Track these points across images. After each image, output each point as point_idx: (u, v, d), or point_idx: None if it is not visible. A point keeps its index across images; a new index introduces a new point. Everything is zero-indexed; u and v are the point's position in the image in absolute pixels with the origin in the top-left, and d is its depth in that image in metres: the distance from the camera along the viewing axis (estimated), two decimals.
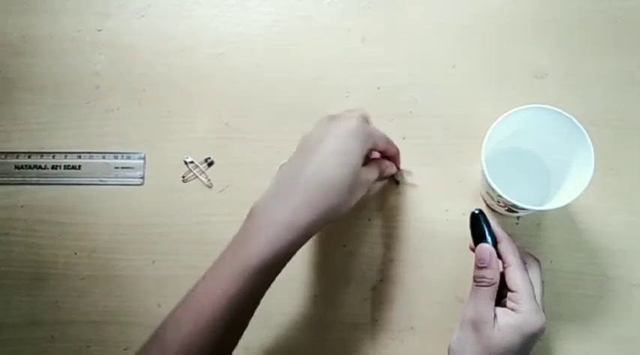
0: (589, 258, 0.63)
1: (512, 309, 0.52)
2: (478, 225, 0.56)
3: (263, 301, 0.62)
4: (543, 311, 0.53)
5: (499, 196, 0.55)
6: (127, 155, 0.67)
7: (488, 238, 0.55)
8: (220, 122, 0.68)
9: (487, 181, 0.55)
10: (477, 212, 0.56)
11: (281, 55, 0.69)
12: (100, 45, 0.70)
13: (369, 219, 0.64)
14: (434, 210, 0.64)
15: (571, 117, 0.55)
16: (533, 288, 0.53)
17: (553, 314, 0.61)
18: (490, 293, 0.53)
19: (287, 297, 0.63)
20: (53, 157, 0.67)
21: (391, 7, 0.70)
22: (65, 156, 0.67)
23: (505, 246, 0.55)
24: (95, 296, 0.64)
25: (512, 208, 0.58)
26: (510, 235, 0.56)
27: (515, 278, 0.53)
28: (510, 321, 0.51)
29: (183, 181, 0.66)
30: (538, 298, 0.54)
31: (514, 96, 0.65)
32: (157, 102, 0.68)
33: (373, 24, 0.70)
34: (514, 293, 0.53)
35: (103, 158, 0.67)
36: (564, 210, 0.63)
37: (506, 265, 0.54)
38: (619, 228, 0.63)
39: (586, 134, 0.55)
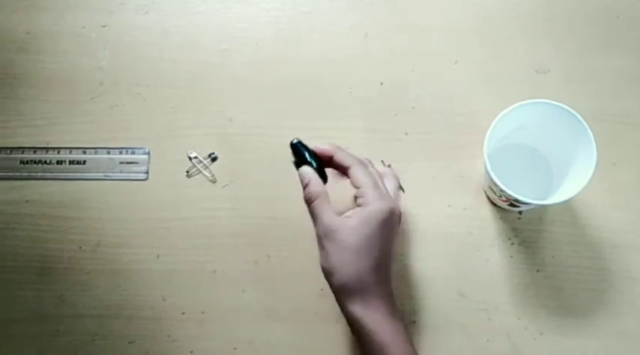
0: (591, 252, 0.63)
1: (360, 204, 0.54)
2: (298, 154, 0.56)
3: (268, 295, 0.63)
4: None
5: (501, 191, 0.55)
6: (132, 150, 0.67)
7: (312, 162, 0.56)
8: (224, 117, 0.68)
9: (490, 176, 0.55)
10: (295, 142, 0.56)
11: (284, 51, 0.70)
12: (104, 41, 0.71)
13: None
14: (436, 205, 0.65)
15: (574, 112, 0.56)
16: (378, 180, 0.55)
17: (554, 308, 0.62)
18: (322, 204, 0.54)
19: (292, 291, 0.63)
20: (58, 152, 0.68)
21: (393, 3, 0.71)
22: (70, 152, 0.68)
23: (339, 155, 0.56)
24: (100, 290, 0.64)
25: (514, 203, 0.58)
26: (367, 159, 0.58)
27: (356, 174, 0.55)
28: (362, 214, 0.53)
29: (187, 176, 0.67)
30: (390, 190, 0.56)
31: (516, 91, 0.66)
32: (161, 98, 0.69)
33: (376, 20, 0.70)
34: (359, 189, 0.54)
35: (108, 153, 0.67)
36: (566, 205, 0.64)
37: (346, 170, 0.56)
38: (620, 223, 0.63)
39: (588, 129, 0.55)
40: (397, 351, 0.52)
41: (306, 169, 0.56)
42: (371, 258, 0.53)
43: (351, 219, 0.53)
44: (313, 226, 0.55)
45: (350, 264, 0.52)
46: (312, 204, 0.55)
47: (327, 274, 0.54)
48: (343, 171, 0.56)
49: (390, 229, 0.54)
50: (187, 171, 0.67)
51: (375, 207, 0.53)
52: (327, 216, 0.54)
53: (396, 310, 0.54)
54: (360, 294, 0.53)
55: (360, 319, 0.53)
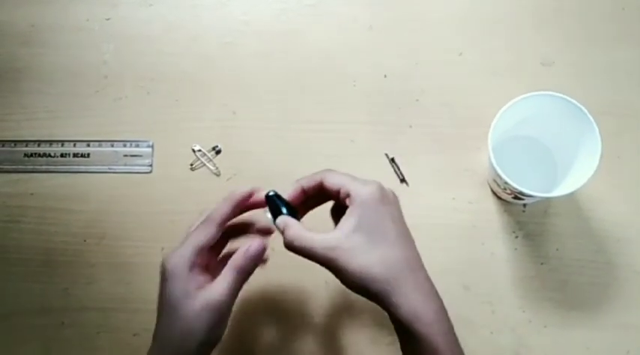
0: (595, 245, 0.63)
1: (349, 203, 0.48)
2: (274, 204, 0.52)
3: (272, 288, 0.63)
4: None
5: (506, 183, 0.55)
6: (136, 143, 0.67)
7: (284, 210, 0.51)
8: (228, 110, 0.68)
9: (494, 169, 0.55)
10: (271, 194, 0.52)
11: (288, 44, 0.70)
12: (108, 34, 0.71)
13: None
14: (441, 198, 0.65)
15: (578, 104, 0.56)
16: (349, 175, 0.50)
17: (558, 301, 0.62)
18: (303, 236, 0.48)
19: (296, 284, 0.64)
20: (62, 145, 0.68)
21: None
22: (74, 145, 0.68)
23: (304, 181, 0.51)
24: (104, 283, 0.65)
25: (518, 195, 0.58)
26: None
27: (331, 179, 0.50)
28: (354, 210, 0.47)
29: (191, 169, 0.67)
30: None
31: (521, 84, 0.65)
32: (165, 91, 0.69)
33: (380, 12, 0.70)
34: (340, 190, 0.49)
35: (112, 146, 0.67)
36: (570, 198, 0.64)
37: (321, 183, 0.51)
38: (625, 216, 0.63)
39: (593, 122, 0.55)
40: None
41: (280, 219, 0.50)
42: (389, 245, 0.47)
43: (343, 225, 0.48)
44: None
45: (373, 265, 0.46)
46: (295, 244, 0.48)
47: (359, 291, 0.47)
48: (321, 192, 0.51)
49: (390, 208, 0.49)
50: (191, 164, 0.67)
51: (362, 193, 0.48)
52: (318, 241, 0.48)
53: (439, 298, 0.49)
54: (400, 289, 0.46)
55: (413, 318, 0.46)
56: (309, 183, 0.52)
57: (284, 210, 0.51)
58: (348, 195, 0.49)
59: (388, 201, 0.49)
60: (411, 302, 0.46)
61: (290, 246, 0.49)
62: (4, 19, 0.71)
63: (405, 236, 0.49)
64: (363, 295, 0.48)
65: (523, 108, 0.57)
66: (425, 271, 0.49)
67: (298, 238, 0.48)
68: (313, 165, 0.65)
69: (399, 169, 0.65)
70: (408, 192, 0.65)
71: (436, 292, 0.49)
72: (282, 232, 0.50)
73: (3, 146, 0.68)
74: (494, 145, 0.56)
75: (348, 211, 0.48)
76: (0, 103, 0.69)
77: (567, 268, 0.63)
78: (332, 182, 0.50)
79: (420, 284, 0.48)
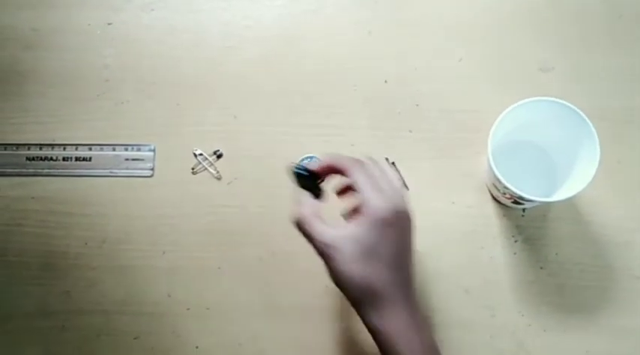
0: (594, 249, 0.63)
1: (360, 210, 0.50)
2: (299, 176, 0.53)
3: (272, 291, 0.64)
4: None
5: (505, 188, 0.56)
6: (137, 147, 0.68)
7: (310, 182, 0.53)
8: (229, 114, 0.68)
9: (493, 173, 0.56)
10: (294, 169, 0.52)
11: (289, 49, 0.70)
12: (110, 38, 0.71)
13: None
14: (440, 203, 0.65)
15: (577, 110, 0.56)
16: (380, 180, 0.51)
17: (558, 305, 0.62)
18: (311, 222, 0.50)
19: (296, 288, 0.64)
20: (64, 149, 0.68)
21: (398, 1, 0.71)
22: (76, 148, 0.68)
23: (336, 162, 0.52)
24: (106, 286, 0.65)
25: (518, 200, 0.58)
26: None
27: (355, 179, 0.51)
28: (360, 220, 0.49)
29: (193, 173, 0.67)
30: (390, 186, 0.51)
31: (520, 89, 0.66)
32: (167, 95, 0.69)
33: (380, 18, 0.70)
34: (359, 194, 0.50)
35: (114, 150, 0.68)
36: (570, 203, 0.64)
37: (346, 175, 0.52)
38: (624, 221, 0.64)
39: (592, 127, 0.56)
40: None
41: (298, 195, 0.53)
42: (380, 264, 0.49)
43: (348, 228, 0.49)
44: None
45: (356, 275, 0.49)
46: (300, 226, 0.51)
47: (341, 290, 0.51)
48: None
49: (399, 230, 0.50)
50: (192, 168, 0.67)
51: (375, 209, 0.49)
52: (319, 232, 0.50)
53: (418, 316, 0.51)
54: (374, 305, 0.49)
55: (379, 332, 0.49)
56: (336, 164, 0.52)
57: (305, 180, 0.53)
58: (362, 201, 0.50)
59: (399, 222, 0.50)
60: (382, 317, 0.49)
61: (296, 225, 0.51)
62: (7, 23, 0.72)
63: (402, 257, 0.51)
64: (344, 294, 0.51)
65: (522, 114, 0.57)
66: (409, 291, 0.51)
67: (305, 221, 0.51)
68: None
69: (399, 174, 0.66)
70: (408, 196, 0.65)
71: (415, 312, 0.50)
72: (296, 207, 0.52)
73: (5, 149, 0.68)
74: (494, 150, 0.57)
75: (359, 217, 0.50)
76: (2, 107, 0.70)
77: (567, 272, 0.63)
78: (354, 181, 0.51)
79: (398, 304, 0.49)
